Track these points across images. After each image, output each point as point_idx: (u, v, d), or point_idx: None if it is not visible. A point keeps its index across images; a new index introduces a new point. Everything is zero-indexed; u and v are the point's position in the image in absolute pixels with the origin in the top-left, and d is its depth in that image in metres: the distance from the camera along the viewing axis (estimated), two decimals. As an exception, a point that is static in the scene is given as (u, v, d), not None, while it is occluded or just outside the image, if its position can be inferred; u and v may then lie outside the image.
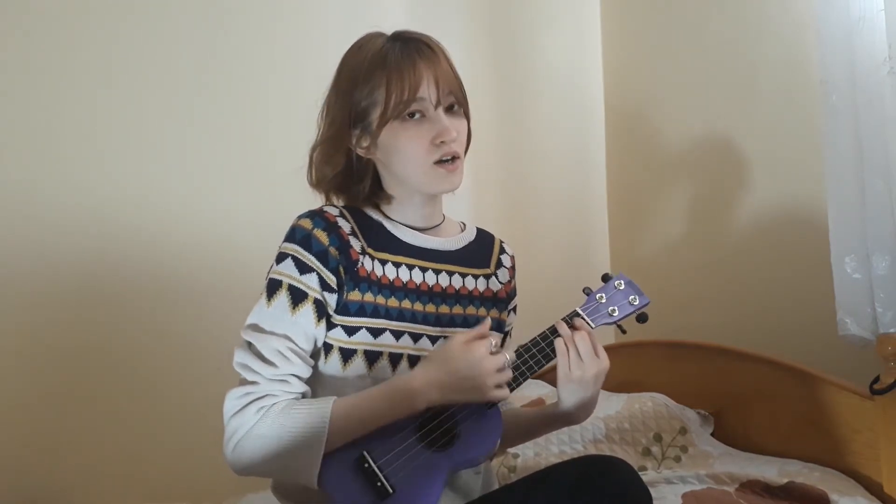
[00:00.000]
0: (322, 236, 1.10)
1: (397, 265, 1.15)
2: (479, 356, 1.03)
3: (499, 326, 1.25)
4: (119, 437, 1.72)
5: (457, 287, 1.20)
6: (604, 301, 1.16)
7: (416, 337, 1.14)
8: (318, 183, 1.19)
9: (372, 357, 1.09)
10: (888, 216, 1.52)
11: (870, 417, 1.50)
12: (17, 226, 1.67)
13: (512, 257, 1.32)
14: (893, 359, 1.44)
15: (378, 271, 1.13)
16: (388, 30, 1.17)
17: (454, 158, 1.12)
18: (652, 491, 1.04)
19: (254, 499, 1.59)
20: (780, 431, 1.71)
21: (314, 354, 1.10)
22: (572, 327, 1.13)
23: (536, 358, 1.12)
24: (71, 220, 1.72)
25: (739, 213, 2.09)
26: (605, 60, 2.56)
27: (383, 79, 1.09)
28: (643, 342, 2.05)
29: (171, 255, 1.83)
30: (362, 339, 1.09)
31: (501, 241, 1.32)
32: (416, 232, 1.19)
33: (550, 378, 1.75)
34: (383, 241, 1.16)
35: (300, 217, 1.13)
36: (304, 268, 1.08)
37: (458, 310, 1.19)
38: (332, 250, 1.10)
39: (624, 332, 1.20)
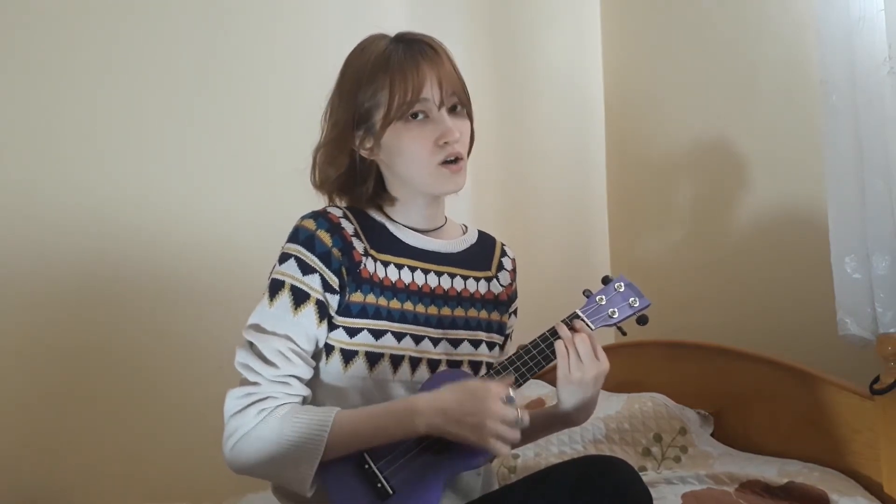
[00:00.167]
0: (325, 237, 1.10)
1: (399, 267, 1.15)
2: (490, 397, 1.00)
3: (500, 329, 1.25)
4: (119, 437, 1.72)
5: (458, 289, 1.20)
6: (604, 303, 1.16)
7: (417, 339, 1.14)
8: (321, 184, 1.19)
9: (373, 358, 1.09)
10: (888, 216, 1.52)
11: (870, 417, 1.50)
12: (17, 226, 1.67)
13: (513, 260, 1.32)
14: (893, 359, 1.44)
15: (380, 273, 1.13)
16: (389, 30, 1.17)
17: (458, 159, 1.12)
18: (652, 491, 1.04)
19: (254, 499, 1.60)
20: (780, 431, 1.71)
21: (315, 355, 1.10)
22: (572, 329, 1.13)
23: (537, 360, 1.12)
24: (71, 220, 1.72)
25: (739, 213, 2.09)
26: (605, 60, 2.56)
27: (386, 80, 1.09)
28: (643, 342, 2.05)
29: (171, 255, 1.83)
30: (364, 341, 1.09)
31: (503, 244, 1.33)
32: (419, 234, 1.19)
33: (551, 378, 1.74)
34: (386, 243, 1.16)
35: (303, 218, 1.13)
36: (306, 268, 1.08)
37: (459, 312, 1.19)
38: (335, 251, 1.10)
39: (624, 333, 1.20)
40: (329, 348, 1.09)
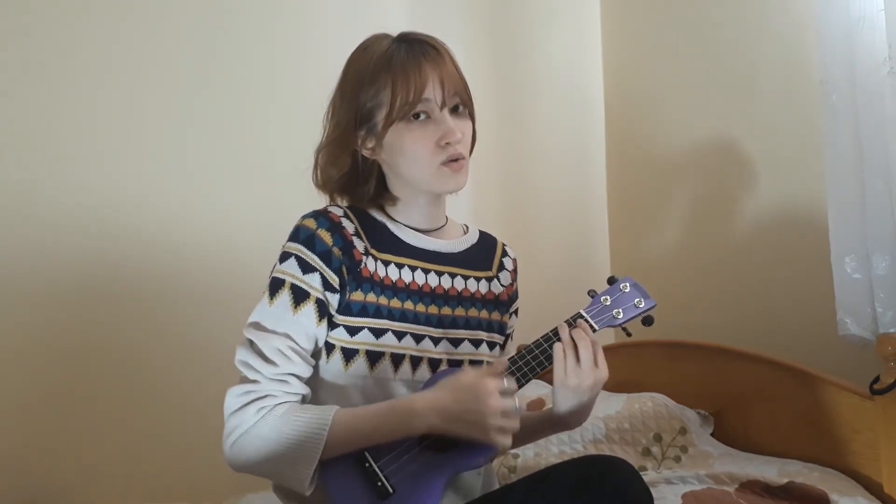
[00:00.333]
0: (326, 236, 1.10)
1: (400, 266, 1.15)
2: (487, 392, 1.00)
3: (500, 329, 1.25)
4: (119, 437, 1.72)
5: (459, 289, 1.20)
6: (608, 303, 1.16)
7: (418, 338, 1.14)
8: (323, 184, 1.19)
9: (374, 357, 1.10)
10: (888, 216, 1.52)
11: (870, 417, 1.50)
12: (17, 226, 1.67)
13: (514, 260, 1.32)
14: (893, 359, 1.44)
15: (381, 272, 1.13)
16: (390, 30, 1.17)
17: (459, 159, 1.12)
18: (652, 491, 1.04)
19: (254, 499, 1.60)
20: (780, 431, 1.71)
21: (315, 354, 1.10)
22: (575, 329, 1.12)
23: (539, 360, 1.11)
24: (71, 220, 1.72)
25: (739, 213, 2.09)
26: (605, 60, 2.56)
27: (388, 80, 1.09)
28: (643, 342, 2.05)
29: (171, 255, 1.83)
30: (364, 340, 1.09)
31: (504, 244, 1.33)
32: (420, 234, 1.19)
33: (552, 378, 1.74)
34: (387, 242, 1.16)
35: (304, 217, 1.13)
36: (307, 267, 1.08)
37: (459, 312, 1.19)
38: (336, 250, 1.10)
39: (629, 335, 1.19)
40: (330, 347, 1.10)
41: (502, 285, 1.27)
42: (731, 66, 2.12)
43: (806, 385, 1.65)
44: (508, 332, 1.30)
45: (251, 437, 1.03)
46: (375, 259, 1.13)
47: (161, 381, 1.79)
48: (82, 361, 1.71)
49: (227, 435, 1.04)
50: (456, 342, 1.17)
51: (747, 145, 2.07)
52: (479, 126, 1.21)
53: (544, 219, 2.44)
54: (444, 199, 1.22)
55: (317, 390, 1.11)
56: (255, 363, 1.05)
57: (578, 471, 1.02)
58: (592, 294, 1.18)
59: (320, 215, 1.13)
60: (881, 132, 1.52)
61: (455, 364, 1.16)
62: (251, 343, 1.07)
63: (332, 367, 1.09)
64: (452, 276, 1.20)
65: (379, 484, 1.03)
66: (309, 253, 1.09)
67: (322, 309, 1.08)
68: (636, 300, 1.16)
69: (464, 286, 1.21)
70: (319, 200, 1.21)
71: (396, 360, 1.11)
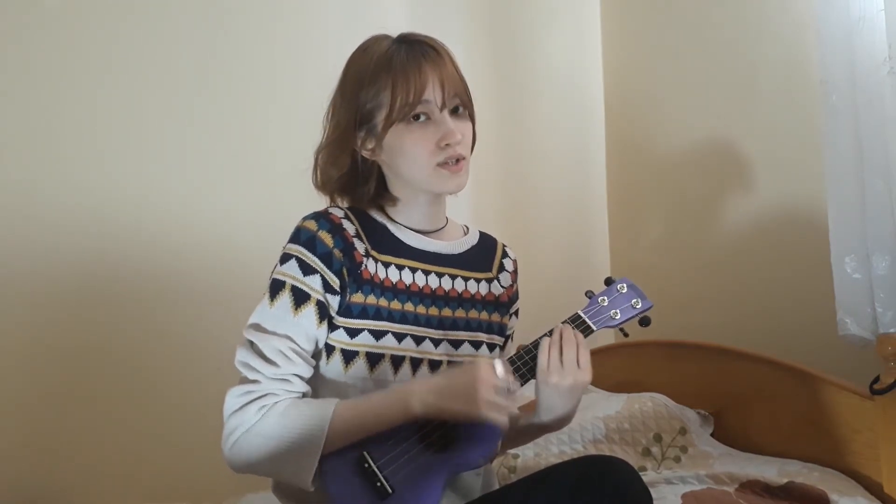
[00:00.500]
0: (326, 238, 1.10)
1: (400, 268, 1.15)
2: (480, 368, 1.01)
3: (500, 330, 1.25)
4: (119, 437, 1.72)
5: (459, 290, 1.20)
6: (606, 304, 1.16)
7: (418, 340, 1.14)
8: (323, 185, 1.19)
9: (374, 359, 1.10)
10: (888, 216, 1.52)
11: (870, 417, 1.50)
12: (17, 226, 1.67)
13: (514, 261, 1.32)
14: (893, 359, 1.44)
15: (381, 274, 1.13)
16: (389, 30, 1.17)
17: (458, 160, 1.12)
18: (652, 491, 1.04)
19: (254, 499, 1.59)
20: (780, 431, 1.71)
21: (315, 355, 1.10)
22: (565, 329, 1.12)
23: (536, 360, 1.11)
24: (71, 220, 1.72)
25: (739, 213, 2.09)
26: (605, 60, 2.56)
27: (389, 81, 1.09)
28: (643, 342, 2.05)
29: (171, 255, 1.83)
30: (364, 341, 1.09)
31: (504, 245, 1.33)
32: (420, 235, 1.19)
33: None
34: (387, 244, 1.16)
35: (305, 218, 1.13)
36: (307, 269, 1.08)
37: (460, 313, 1.19)
38: (337, 252, 1.10)
39: (626, 335, 1.20)
40: (330, 349, 1.10)
41: (502, 286, 1.27)
42: (731, 66, 2.12)
43: (806, 385, 1.65)
44: (508, 333, 1.30)
45: (252, 435, 1.03)
46: (376, 261, 1.13)
47: (161, 381, 1.79)
48: (82, 361, 1.71)
49: (228, 435, 1.04)
50: (456, 344, 1.17)
51: (747, 145, 2.07)
52: (479, 126, 1.21)
53: (544, 219, 2.44)
54: (444, 200, 1.22)
55: (316, 392, 1.11)
56: (255, 364, 1.05)
57: (578, 471, 1.02)
58: (590, 295, 1.18)
59: (321, 217, 1.12)
60: (881, 132, 1.52)
61: (455, 366, 1.16)
62: (251, 344, 1.07)
63: (332, 369, 1.09)
64: (453, 277, 1.20)
65: (378, 484, 1.03)
66: (310, 255, 1.09)
67: (322, 311, 1.08)
68: (633, 301, 1.16)
69: (464, 287, 1.21)
70: (319, 201, 1.21)
71: (396, 361, 1.11)
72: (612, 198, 2.53)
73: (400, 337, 1.12)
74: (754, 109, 2.05)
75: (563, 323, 1.14)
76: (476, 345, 1.20)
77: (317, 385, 1.11)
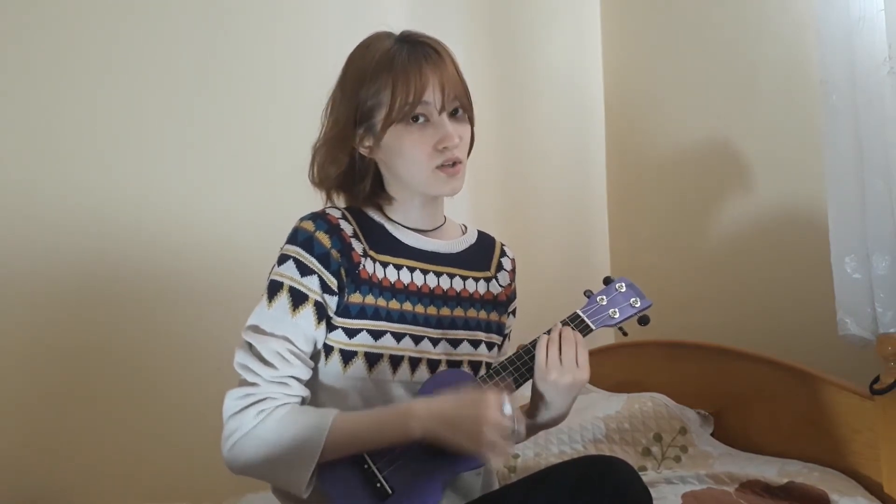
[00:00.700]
0: (324, 238, 1.10)
1: (398, 268, 1.15)
2: (487, 404, 0.99)
3: (499, 329, 1.25)
4: (119, 437, 1.72)
5: (457, 290, 1.20)
6: (605, 303, 1.16)
7: (417, 339, 1.14)
8: (320, 182, 1.19)
9: (372, 359, 1.09)
10: (888, 216, 1.52)
11: (870, 417, 1.50)
12: (17, 226, 1.67)
13: (512, 260, 1.32)
14: (893, 359, 1.44)
15: (379, 274, 1.13)
16: (389, 29, 1.17)
17: (455, 163, 1.12)
18: (652, 491, 1.04)
19: (254, 499, 1.60)
20: (780, 431, 1.71)
21: (314, 356, 1.10)
22: (564, 329, 1.12)
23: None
24: (71, 220, 1.72)
25: (739, 212, 2.09)
26: (605, 60, 2.56)
27: (389, 81, 1.09)
28: (643, 342, 2.05)
29: (171, 255, 1.83)
30: (363, 341, 1.09)
31: (502, 244, 1.33)
32: (418, 234, 1.19)
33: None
34: (385, 244, 1.16)
35: (302, 219, 1.13)
36: (305, 270, 1.08)
37: (458, 312, 1.19)
38: (334, 253, 1.10)
39: (625, 334, 1.20)
40: (328, 349, 1.09)
41: (501, 286, 1.27)
42: (731, 66, 2.12)
43: (806, 385, 1.65)
44: (506, 332, 1.30)
45: (250, 438, 1.03)
46: (374, 260, 1.13)
47: (161, 381, 1.79)
48: (82, 361, 1.72)
49: (227, 437, 1.04)
50: (455, 343, 1.17)
51: (747, 145, 2.07)
52: (479, 126, 1.21)
53: (544, 219, 2.44)
54: (441, 200, 1.22)
55: (315, 392, 1.11)
56: (254, 366, 1.05)
57: (578, 471, 1.02)
58: (589, 294, 1.18)
59: (318, 217, 1.12)
60: (881, 132, 1.52)
61: (454, 365, 1.16)
62: (250, 346, 1.07)
63: (331, 369, 1.09)
64: (451, 276, 1.20)
65: (378, 485, 1.03)
66: (307, 255, 1.09)
67: (320, 311, 1.08)
68: (632, 300, 1.16)
69: (462, 287, 1.21)
70: (319, 200, 1.21)
71: (395, 361, 1.11)
72: (612, 198, 2.53)
73: (398, 336, 1.12)
74: (754, 109, 2.05)
75: (561, 322, 1.14)
76: (475, 344, 1.20)
77: (315, 385, 1.11)
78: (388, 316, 1.12)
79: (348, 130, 1.13)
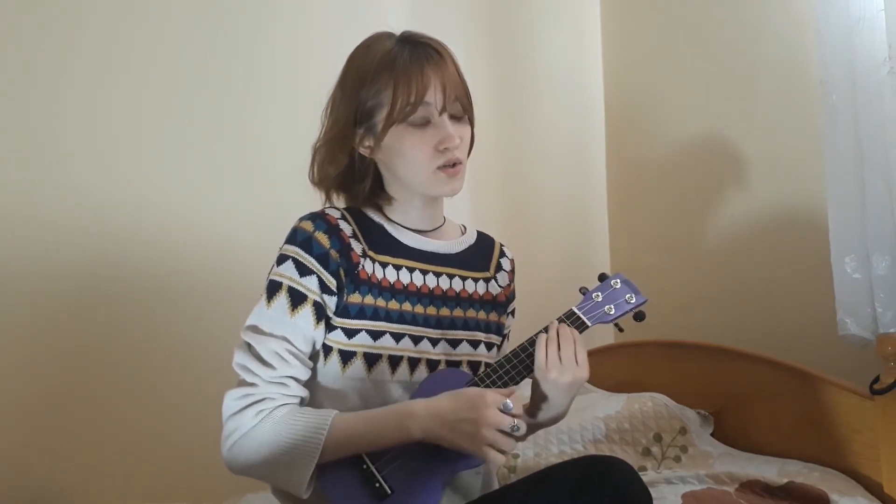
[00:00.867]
0: (323, 239, 1.10)
1: (398, 268, 1.15)
2: (486, 403, 0.99)
3: (498, 330, 1.25)
4: (119, 438, 1.73)
5: (457, 290, 1.20)
6: (600, 300, 1.16)
7: (416, 340, 1.14)
8: (320, 181, 1.19)
9: (371, 359, 1.09)
10: (888, 216, 1.52)
11: (870, 417, 1.50)
12: (17, 226, 1.67)
13: (511, 261, 1.32)
14: (893, 359, 1.44)
15: (378, 274, 1.13)
16: (390, 30, 1.17)
17: (455, 164, 1.12)
18: (652, 491, 1.04)
19: (254, 499, 1.60)
20: (780, 431, 1.71)
21: (313, 356, 1.10)
22: (561, 326, 1.12)
23: (533, 358, 1.11)
24: (71, 220, 1.72)
25: (739, 212, 2.09)
26: (605, 60, 2.56)
27: (390, 81, 1.09)
28: (643, 342, 2.05)
29: (171, 255, 1.83)
30: (362, 342, 1.09)
31: (501, 245, 1.33)
32: (417, 234, 1.19)
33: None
34: (384, 244, 1.16)
35: (301, 219, 1.13)
36: (304, 270, 1.08)
37: (458, 312, 1.19)
38: (333, 253, 1.10)
39: (621, 330, 1.20)
40: (327, 349, 1.10)
41: (500, 286, 1.27)
42: (731, 66, 2.12)
43: (806, 385, 1.65)
44: (505, 332, 1.30)
45: (249, 439, 1.03)
46: (373, 261, 1.13)
47: (161, 380, 1.79)
48: (82, 361, 1.72)
49: (226, 438, 1.04)
50: (454, 343, 1.17)
51: (747, 145, 2.07)
52: (479, 127, 1.21)
53: (544, 219, 2.44)
54: (441, 200, 1.22)
55: (314, 392, 1.11)
56: (253, 366, 1.05)
57: (578, 471, 1.02)
58: (584, 291, 1.18)
59: (317, 217, 1.12)
60: (881, 132, 1.52)
61: (453, 365, 1.16)
62: (249, 346, 1.07)
63: (330, 370, 1.09)
64: (450, 276, 1.20)
65: (377, 485, 1.03)
66: (306, 255, 1.09)
67: (319, 311, 1.08)
68: (627, 296, 1.16)
69: (462, 287, 1.21)
70: (319, 200, 1.21)
71: (394, 361, 1.11)
72: (612, 198, 2.53)
73: (398, 337, 1.12)
74: (754, 109, 2.05)
75: (557, 319, 1.14)
76: (474, 344, 1.20)
77: (314, 386, 1.11)
78: (388, 316, 1.12)
79: (348, 130, 1.13)
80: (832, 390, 1.59)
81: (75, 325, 1.72)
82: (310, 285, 1.08)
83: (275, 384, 1.05)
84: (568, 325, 1.13)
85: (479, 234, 1.31)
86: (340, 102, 1.15)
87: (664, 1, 2.36)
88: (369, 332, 1.10)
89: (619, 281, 1.18)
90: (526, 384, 1.15)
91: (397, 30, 1.16)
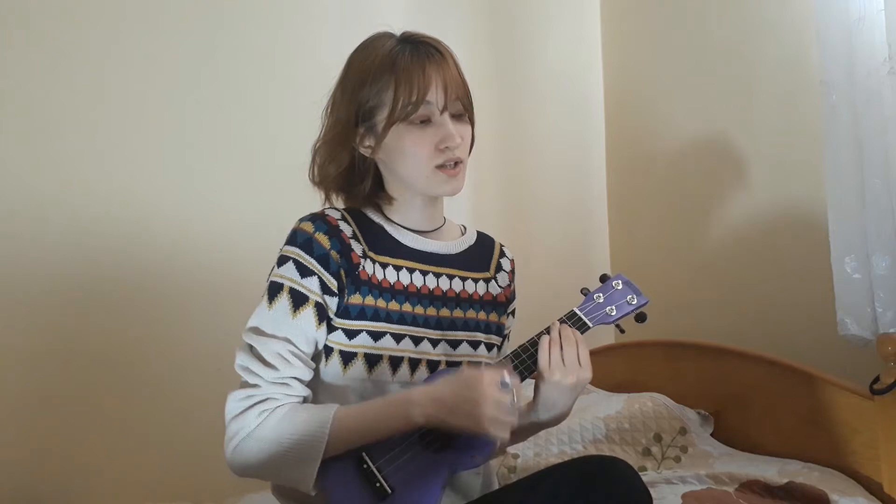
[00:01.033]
0: (323, 240, 1.10)
1: (398, 269, 1.15)
2: (485, 383, 1.00)
3: (498, 330, 1.25)
4: (119, 438, 1.73)
5: (457, 290, 1.20)
6: (601, 301, 1.16)
7: (416, 340, 1.14)
8: (320, 181, 1.19)
9: (372, 360, 1.10)
10: (888, 216, 1.52)
11: (870, 417, 1.50)
12: (17, 226, 1.67)
13: (512, 261, 1.32)
14: (893, 359, 1.44)
15: (379, 275, 1.13)
16: (389, 29, 1.17)
17: (456, 163, 1.12)
18: (652, 491, 1.04)
19: (254, 499, 1.60)
20: (780, 431, 1.71)
21: (315, 357, 1.10)
22: (563, 327, 1.12)
23: (535, 358, 1.11)
24: (71, 220, 1.73)
25: (739, 212, 2.09)
26: (605, 60, 2.56)
27: (391, 81, 1.09)
28: (643, 342, 2.05)
29: (171, 255, 1.83)
30: (363, 343, 1.09)
31: (501, 245, 1.33)
32: (417, 235, 1.19)
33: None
34: (384, 245, 1.16)
35: (301, 220, 1.13)
36: (305, 271, 1.08)
37: (458, 313, 1.19)
38: (334, 254, 1.10)
39: (622, 331, 1.20)
40: (328, 350, 1.10)
41: (500, 286, 1.27)
42: (731, 65, 2.12)
43: (806, 385, 1.65)
44: (506, 332, 1.30)
45: (253, 440, 1.03)
46: (373, 261, 1.13)
47: (161, 381, 1.79)
48: (83, 362, 1.72)
49: (229, 440, 1.04)
50: (454, 344, 1.17)
51: (747, 145, 2.07)
52: (479, 126, 1.21)
53: (544, 219, 2.44)
54: (441, 200, 1.22)
55: (315, 393, 1.11)
56: (255, 367, 1.05)
57: (578, 471, 1.02)
58: (585, 292, 1.18)
59: (318, 218, 1.12)
60: (881, 132, 1.52)
61: (454, 366, 1.16)
62: (251, 348, 1.07)
63: (331, 371, 1.09)
64: (450, 277, 1.20)
65: (377, 484, 1.03)
66: (307, 256, 1.09)
67: (321, 312, 1.08)
68: (629, 297, 1.17)
69: (462, 287, 1.21)
70: (319, 201, 1.21)
71: (395, 362, 1.11)
72: (612, 198, 2.53)
73: (398, 338, 1.12)
74: (754, 109, 2.04)
75: (559, 320, 1.14)
76: (474, 345, 1.20)
77: (316, 387, 1.11)
78: (388, 317, 1.12)
79: (349, 130, 1.13)
80: (832, 390, 1.59)
81: (75, 326, 1.72)
82: (311, 286, 1.08)
83: (277, 385, 1.05)
84: (570, 326, 1.13)
85: (479, 234, 1.31)
86: (341, 102, 1.15)
87: (664, 1, 2.36)
88: (370, 332, 1.10)
89: (620, 282, 1.18)
90: (527, 384, 1.15)
91: (397, 30, 1.17)
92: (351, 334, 1.09)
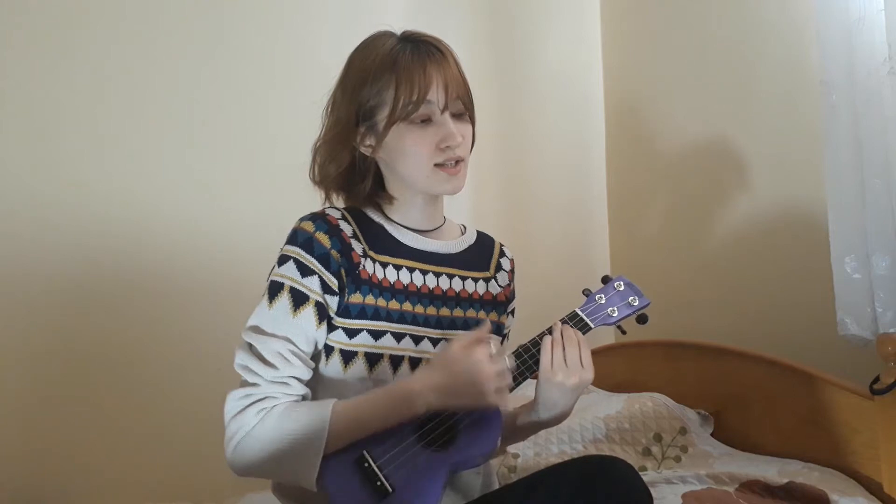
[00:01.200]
0: (324, 239, 1.10)
1: (398, 268, 1.15)
2: (479, 360, 1.01)
3: (498, 329, 1.25)
4: (119, 438, 1.73)
5: (457, 290, 1.20)
6: (603, 302, 1.16)
7: (417, 339, 1.14)
8: (321, 181, 1.19)
9: (373, 359, 1.10)
10: (888, 216, 1.52)
11: (870, 417, 1.49)
12: (17, 226, 1.67)
13: (511, 261, 1.32)
14: (893, 359, 1.44)
15: (379, 274, 1.13)
16: (389, 28, 1.17)
17: (457, 162, 1.12)
18: (652, 491, 1.04)
19: (254, 499, 1.60)
20: (780, 431, 1.71)
21: (315, 356, 1.10)
22: (565, 328, 1.12)
23: (536, 358, 1.11)
24: (71, 220, 1.73)
25: (739, 212, 2.09)
26: (605, 60, 2.56)
27: (392, 80, 1.09)
28: (643, 342, 2.05)
29: (170, 255, 1.83)
30: (363, 342, 1.10)
31: (501, 245, 1.33)
32: (417, 234, 1.19)
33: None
34: (385, 244, 1.16)
35: (302, 220, 1.13)
36: (305, 270, 1.08)
37: (458, 312, 1.19)
38: (334, 253, 1.10)
39: (624, 332, 1.20)
40: (329, 349, 1.10)
41: (500, 286, 1.27)
42: (731, 66, 2.12)
43: (806, 385, 1.65)
44: (505, 332, 1.30)
45: (253, 439, 1.03)
46: (374, 261, 1.13)
47: (161, 381, 1.79)
48: (83, 362, 1.72)
49: (229, 439, 1.04)
50: (455, 343, 1.17)
51: (747, 145, 2.07)
52: (479, 126, 1.21)
53: (544, 219, 2.44)
54: (441, 200, 1.22)
55: (316, 392, 1.11)
56: (254, 366, 1.05)
57: (578, 471, 1.02)
58: (587, 293, 1.19)
59: (318, 218, 1.12)
60: (881, 132, 1.52)
61: None
62: (250, 346, 1.07)
63: (331, 370, 1.09)
64: (450, 276, 1.20)
65: (378, 483, 1.03)
66: (307, 256, 1.09)
67: (321, 312, 1.08)
68: (630, 298, 1.17)
69: (462, 287, 1.21)
70: (319, 200, 1.21)
71: (395, 361, 1.11)
72: (612, 197, 2.53)
73: (398, 337, 1.12)
74: (754, 109, 2.04)
75: (561, 320, 1.14)
76: (474, 344, 1.20)
77: (316, 386, 1.11)
78: (388, 316, 1.12)
79: (350, 130, 1.13)
80: (832, 390, 1.59)
81: (75, 326, 1.72)
82: (311, 286, 1.08)
83: (277, 384, 1.05)
84: (571, 327, 1.13)
85: (479, 233, 1.31)
86: (341, 102, 1.15)
87: (664, 1, 2.36)
88: (370, 332, 1.10)
89: (622, 283, 1.18)
90: (529, 384, 1.15)
91: (397, 29, 1.17)
92: (351, 333, 1.09)
